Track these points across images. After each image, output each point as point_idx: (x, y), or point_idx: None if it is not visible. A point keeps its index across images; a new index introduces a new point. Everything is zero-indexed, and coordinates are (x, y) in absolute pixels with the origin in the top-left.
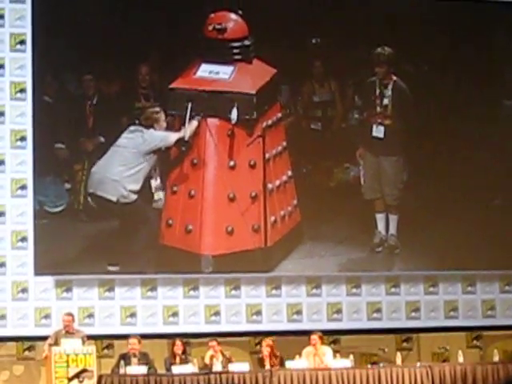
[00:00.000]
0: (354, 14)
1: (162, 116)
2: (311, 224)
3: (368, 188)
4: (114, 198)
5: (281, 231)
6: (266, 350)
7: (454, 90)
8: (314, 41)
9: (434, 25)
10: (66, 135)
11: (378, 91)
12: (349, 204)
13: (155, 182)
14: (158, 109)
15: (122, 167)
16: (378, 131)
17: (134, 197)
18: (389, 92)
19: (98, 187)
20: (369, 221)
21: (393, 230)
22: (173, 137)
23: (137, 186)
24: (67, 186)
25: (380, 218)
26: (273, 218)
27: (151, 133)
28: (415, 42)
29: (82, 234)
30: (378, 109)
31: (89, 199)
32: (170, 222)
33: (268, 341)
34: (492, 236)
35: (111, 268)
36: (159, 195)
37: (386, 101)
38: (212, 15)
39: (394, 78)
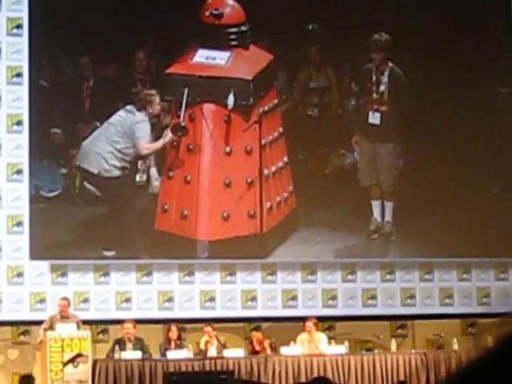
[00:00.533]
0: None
1: (157, 99)
2: (307, 210)
3: (364, 174)
4: (95, 171)
5: (276, 217)
6: (256, 345)
7: (450, 77)
8: (310, 27)
9: (430, 12)
10: (62, 120)
11: (374, 78)
12: (345, 190)
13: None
14: (153, 91)
15: (107, 143)
16: (374, 118)
17: (116, 172)
18: (385, 78)
19: (82, 160)
20: (364, 207)
21: (388, 216)
22: (145, 149)
23: (119, 163)
24: (63, 170)
25: (376, 204)
26: (268, 204)
27: (138, 127)
28: (412, 29)
29: (77, 219)
30: (375, 95)
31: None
32: (166, 207)
33: (257, 334)
34: (488, 224)
35: (106, 253)
36: (142, 177)
37: (382, 87)
38: (209, 0)
39: (391, 64)
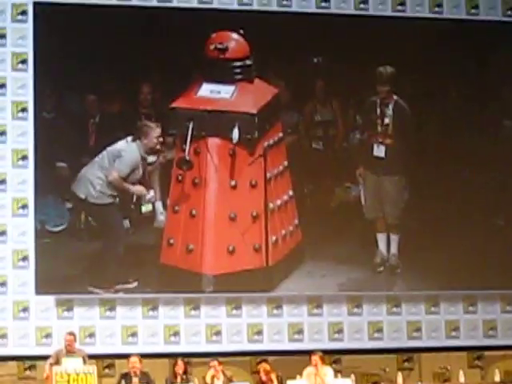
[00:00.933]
0: (355, 32)
1: (155, 132)
2: (312, 244)
3: (369, 207)
4: (82, 196)
5: (282, 251)
6: (263, 375)
7: (455, 110)
8: (315, 60)
9: (434, 45)
10: (67, 154)
11: (378, 110)
12: (350, 224)
13: (149, 194)
14: (152, 124)
15: (98, 169)
16: (379, 151)
17: (106, 200)
18: (390, 111)
19: (75, 185)
20: (370, 240)
21: (394, 249)
22: (112, 177)
23: (109, 191)
24: (68, 205)
25: (381, 237)
26: (274, 238)
27: (123, 155)
28: (416, 62)
29: (82, 254)
30: (379, 128)
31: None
32: (172, 241)
33: (265, 365)
34: (493, 256)
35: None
36: (148, 207)
37: (386, 120)
38: (213, 35)
39: (395, 97)
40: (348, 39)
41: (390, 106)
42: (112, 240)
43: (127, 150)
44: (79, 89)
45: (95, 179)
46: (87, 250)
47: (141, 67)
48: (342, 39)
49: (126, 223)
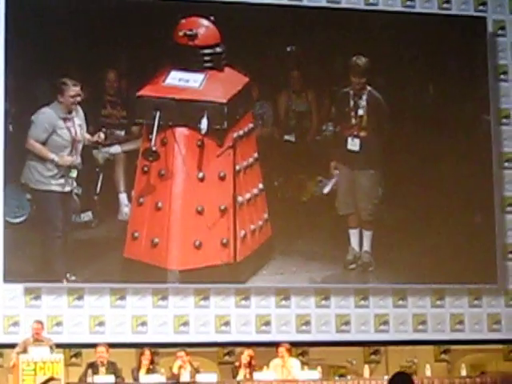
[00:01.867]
0: (329, 23)
1: (72, 90)
2: (283, 239)
3: (342, 203)
4: (23, 181)
5: (251, 246)
6: (245, 359)
7: (431, 103)
8: (288, 49)
9: (410, 36)
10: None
11: (352, 102)
12: (322, 219)
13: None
14: (69, 82)
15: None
16: (354, 144)
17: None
18: (363, 103)
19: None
20: (342, 236)
21: (367, 246)
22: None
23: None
24: (28, 196)
25: (353, 233)
26: (242, 233)
27: (34, 125)
28: (390, 54)
29: (45, 245)
30: (353, 120)
31: None
32: (136, 234)
33: (250, 351)
34: (461, 251)
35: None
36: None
37: (360, 112)
38: (183, 21)
39: (369, 88)
40: (322, 29)
41: (364, 98)
42: (57, 231)
43: (38, 115)
44: (43, 75)
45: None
46: (43, 241)
47: (107, 53)
48: (315, 28)
49: (89, 215)
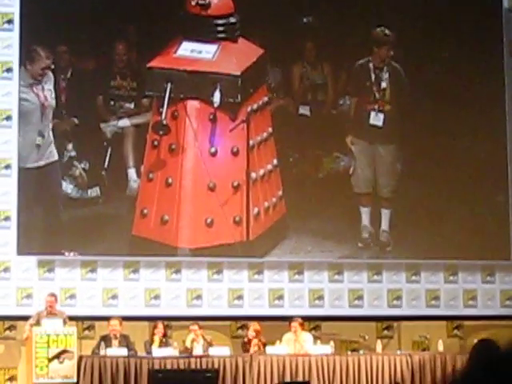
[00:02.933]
0: None
1: (43, 63)
2: (297, 217)
3: (360, 180)
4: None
5: (264, 224)
6: (250, 335)
7: (448, 78)
8: (305, 20)
9: (426, 12)
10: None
11: (373, 75)
12: (338, 196)
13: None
14: (43, 53)
15: None
16: (377, 119)
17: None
18: (385, 75)
19: None
20: (359, 215)
21: (385, 226)
22: None
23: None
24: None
25: (365, 211)
26: (256, 210)
27: None
28: (408, 27)
29: (60, 218)
30: (377, 95)
31: None
32: (145, 211)
33: (256, 325)
34: (475, 227)
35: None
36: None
37: (383, 84)
38: None
39: (390, 60)
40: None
41: (386, 70)
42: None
43: None
44: (51, 41)
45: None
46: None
47: (116, 23)
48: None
49: (96, 190)
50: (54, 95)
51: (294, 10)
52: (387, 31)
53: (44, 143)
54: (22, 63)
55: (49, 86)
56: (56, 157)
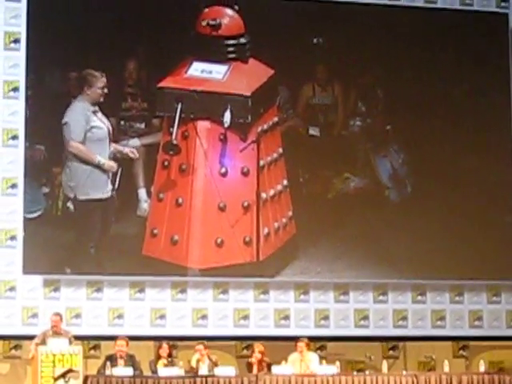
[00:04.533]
0: (356, 14)
1: (100, 82)
2: (307, 238)
3: None
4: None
5: (274, 244)
6: (255, 357)
7: (454, 99)
8: (315, 40)
9: (432, 32)
10: (46, 136)
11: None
12: (348, 217)
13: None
14: (96, 73)
15: None
16: None
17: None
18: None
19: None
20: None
21: None
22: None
23: None
24: (45, 189)
25: None
26: (266, 230)
27: (68, 125)
28: (413, 48)
29: (65, 238)
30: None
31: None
32: (155, 231)
33: (260, 346)
34: (481, 247)
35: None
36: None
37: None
38: (206, 10)
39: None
40: (349, 18)
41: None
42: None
43: (68, 114)
44: (62, 66)
45: None
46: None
47: (127, 43)
48: (342, 18)
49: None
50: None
51: (305, 31)
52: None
53: None
54: (27, 83)
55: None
56: None
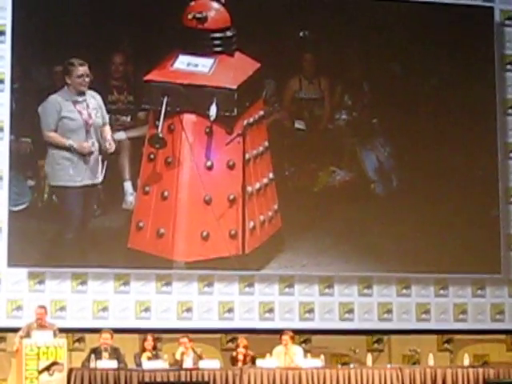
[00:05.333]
0: (343, 6)
1: (78, 70)
2: (292, 231)
3: None
4: None
5: (260, 238)
6: (241, 353)
7: (438, 92)
8: (301, 33)
9: (418, 26)
10: (32, 129)
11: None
12: (334, 210)
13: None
14: (76, 62)
15: None
16: None
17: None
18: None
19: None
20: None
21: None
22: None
23: None
24: (31, 182)
25: None
26: (251, 224)
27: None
28: (399, 42)
29: (50, 231)
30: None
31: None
32: (141, 224)
33: (244, 341)
34: (465, 240)
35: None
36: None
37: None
38: (192, 3)
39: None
40: (337, 10)
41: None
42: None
43: (45, 104)
44: (47, 61)
45: None
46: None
47: (113, 36)
48: (330, 11)
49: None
50: (101, 116)
51: (291, 24)
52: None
53: None
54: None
55: (94, 105)
56: None
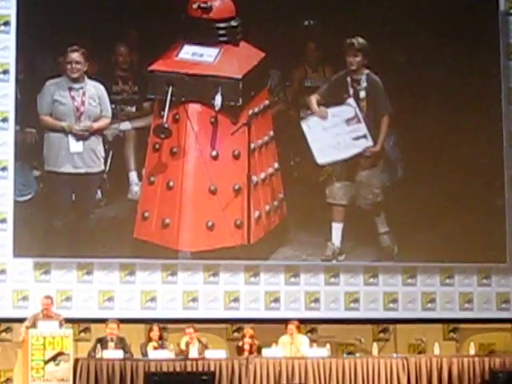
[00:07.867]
0: None
1: (69, 57)
2: (298, 220)
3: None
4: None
5: (265, 227)
6: (247, 343)
7: (443, 82)
8: (306, 22)
9: (421, 15)
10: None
11: (350, 87)
12: None
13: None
14: (70, 48)
15: None
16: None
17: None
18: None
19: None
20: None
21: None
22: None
23: None
24: (36, 173)
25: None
26: (257, 213)
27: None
28: (403, 32)
29: (60, 221)
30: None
31: None
32: (146, 214)
33: (250, 331)
34: (472, 229)
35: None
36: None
37: (362, 94)
38: None
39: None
40: (341, 1)
41: (363, 79)
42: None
43: (42, 90)
44: (52, 50)
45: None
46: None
47: (118, 26)
48: (335, 1)
49: (97, 194)
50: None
51: (296, 13)
52: (360, 40)
53: None
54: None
55: (92, 94)
56: None
